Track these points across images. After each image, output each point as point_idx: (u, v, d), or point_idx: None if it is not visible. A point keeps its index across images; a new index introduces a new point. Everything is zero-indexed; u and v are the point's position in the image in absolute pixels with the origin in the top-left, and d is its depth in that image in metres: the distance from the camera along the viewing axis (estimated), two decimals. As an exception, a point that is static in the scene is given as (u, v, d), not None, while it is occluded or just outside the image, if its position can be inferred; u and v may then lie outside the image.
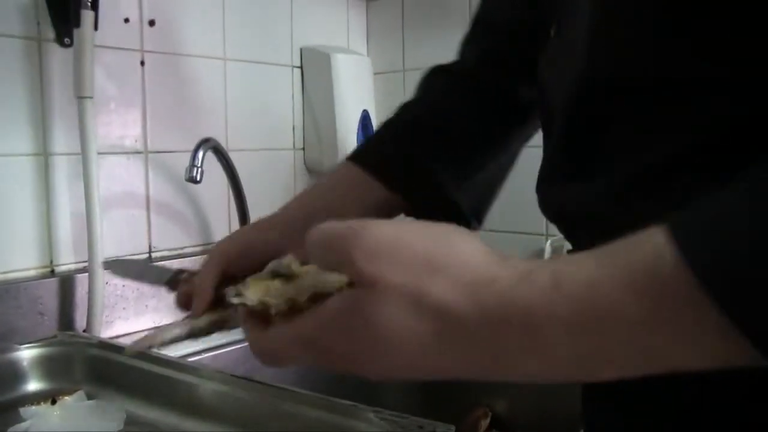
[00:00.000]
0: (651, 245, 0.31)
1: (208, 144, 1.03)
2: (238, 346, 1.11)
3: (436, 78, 0.71)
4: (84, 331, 1.03)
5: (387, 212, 0.65)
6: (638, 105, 0.44)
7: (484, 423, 1.25)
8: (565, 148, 0.51)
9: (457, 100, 0.69)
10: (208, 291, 0.59)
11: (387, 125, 0.70)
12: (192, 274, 0.65)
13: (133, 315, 1.13)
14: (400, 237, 0.36)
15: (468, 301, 0.33)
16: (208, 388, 0.75)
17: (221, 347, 1.10)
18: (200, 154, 1.01)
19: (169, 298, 1.18)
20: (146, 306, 1.15)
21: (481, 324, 0.33)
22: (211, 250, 0.66)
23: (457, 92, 0.69)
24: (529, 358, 0.33)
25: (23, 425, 0.71)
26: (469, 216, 0.67)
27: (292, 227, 0.63)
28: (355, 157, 0.68)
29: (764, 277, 0.28)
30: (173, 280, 0.68)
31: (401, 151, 0.66)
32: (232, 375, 0.74)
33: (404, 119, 0.69)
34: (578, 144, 0.49)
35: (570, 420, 0.98)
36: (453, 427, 0.61)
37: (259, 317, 0.42)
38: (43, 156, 1.04)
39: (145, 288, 1.14)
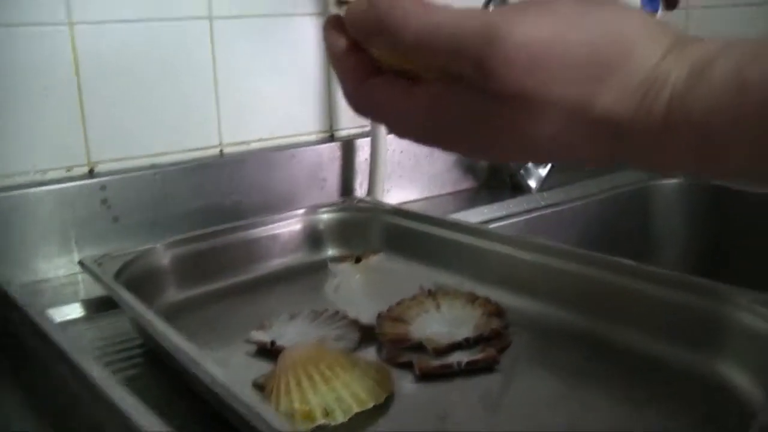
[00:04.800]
0: None
1: (497, -3, 0.93)
2: (523, 217, 1.04)
3: None
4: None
5: None
6: None
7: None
8: None
9: None
10: None
11: None
12: None
13: (409, 183, 1.09)
14: (557, 34, 0.29)
15: (637, 109, 0.29)
16: (522, 258, 0.68)
17: (501, 219, 1.03)
18: (490, 7, 0.91)
19: (447, 162, 1.13)
20: (422, 174, 1.10)
21: (650, 130, 0.29)
22: None
23: None
24: (696, 161, 0.29)
25: (335, 282, 0.68)
26: None
27: None
28: None
29: None
30: None
31: None
32: (554, 245, 0.67)
33: None
34: None
35: None
36: None
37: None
38: (324, 15, 0.99)
39: (422, 156, 1.09)
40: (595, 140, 0.31)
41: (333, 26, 0.36)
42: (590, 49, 0.29)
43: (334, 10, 0.98)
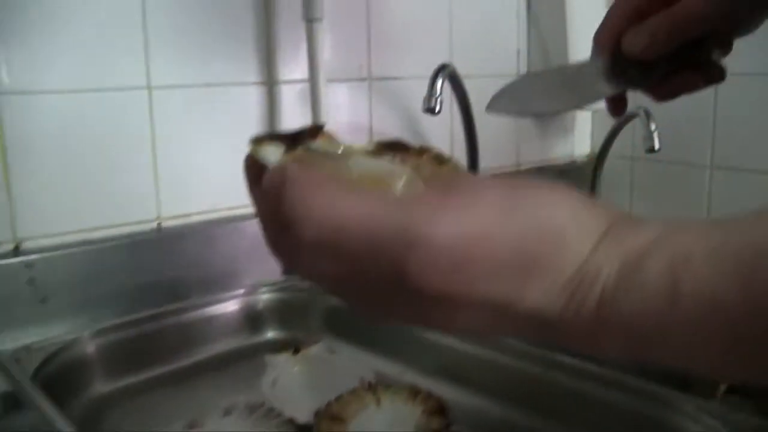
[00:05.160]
0: None
1: (446, 70, 0.92)
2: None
3: None
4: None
5: None
6: None
7: (722, 387, 1.12)
8: None
9: None
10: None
11: None
12: None
13: (355, 254, 1.06)
14: (483, 230, 0.27)
15: (566, 305, 0.27)
16: (464, 351, 0.66)
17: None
18: (439, 81, 0.89)
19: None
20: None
21: (579, 325, 0.27)
22: None
23: None
24: (629, 353, 0.28)
25: (272, 376, 0.65)
26: None
27: None
28: None
29: None
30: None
31: None
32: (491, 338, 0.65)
33: None
34: None
35: None
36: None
37: None
38: (268, 85, 0.97)
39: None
40: (523, 330, 0.29)
41: (250, 168, 0.34)
42: (518, 244, 0.27)
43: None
